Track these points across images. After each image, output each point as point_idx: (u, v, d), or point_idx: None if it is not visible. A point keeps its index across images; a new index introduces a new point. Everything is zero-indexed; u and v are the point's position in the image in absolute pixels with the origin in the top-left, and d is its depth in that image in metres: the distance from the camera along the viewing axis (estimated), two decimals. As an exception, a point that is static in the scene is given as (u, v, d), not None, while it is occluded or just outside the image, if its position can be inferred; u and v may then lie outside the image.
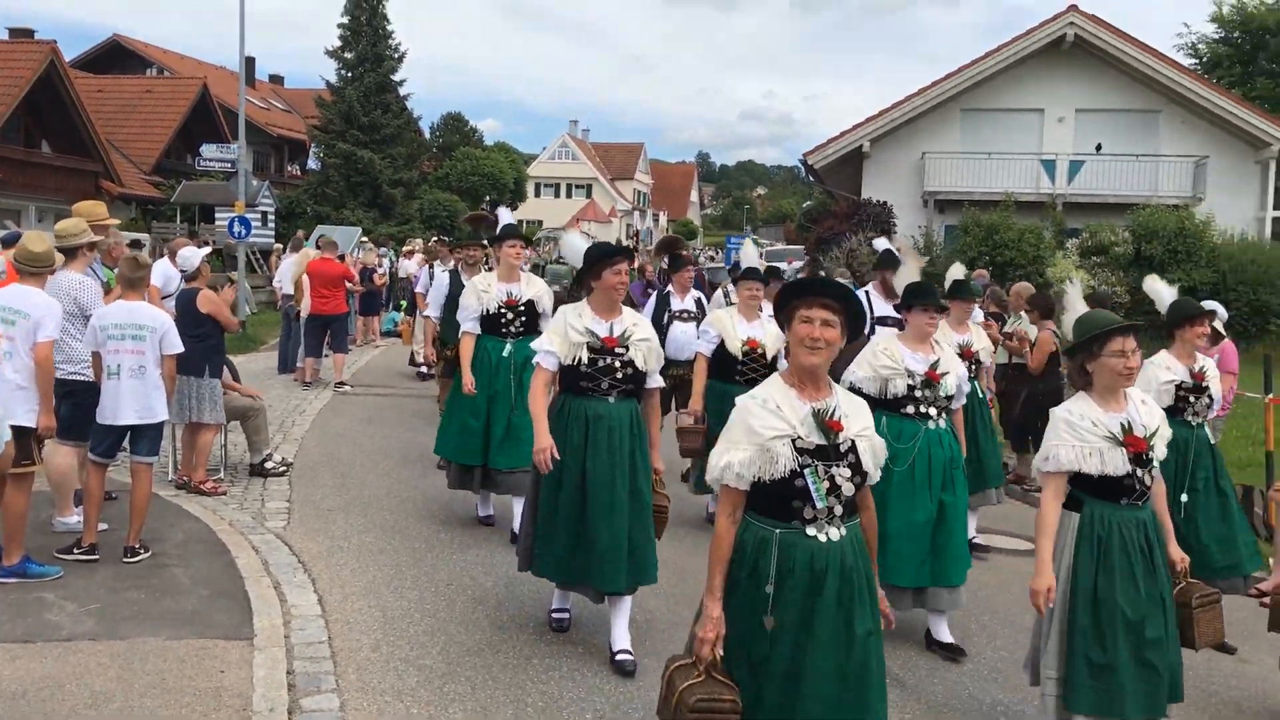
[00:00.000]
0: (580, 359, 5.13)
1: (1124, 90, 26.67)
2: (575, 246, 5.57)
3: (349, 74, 38.72)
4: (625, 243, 50.27)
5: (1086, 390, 4.20)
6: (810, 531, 3.34)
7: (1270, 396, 8.27)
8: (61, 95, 28.85)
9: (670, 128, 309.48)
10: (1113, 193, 25.83)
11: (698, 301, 9.30)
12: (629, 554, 5.08)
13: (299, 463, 9.33)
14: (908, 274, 6.20)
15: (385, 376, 15.16)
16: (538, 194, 73.29)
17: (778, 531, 3.34)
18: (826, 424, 3.37)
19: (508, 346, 6.93)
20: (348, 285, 14.80)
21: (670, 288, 9.31)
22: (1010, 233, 22.44)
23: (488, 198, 49.97)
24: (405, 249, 23.63)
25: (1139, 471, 4.06)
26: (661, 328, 8.52)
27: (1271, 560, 6.26)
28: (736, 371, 7.22)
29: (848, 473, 3.36)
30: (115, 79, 40.31)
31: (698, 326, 8.53)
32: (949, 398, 5.60)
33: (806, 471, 3.31)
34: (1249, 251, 22.02)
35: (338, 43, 38.87)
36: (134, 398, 6.27)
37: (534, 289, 7.12)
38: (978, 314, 11.57)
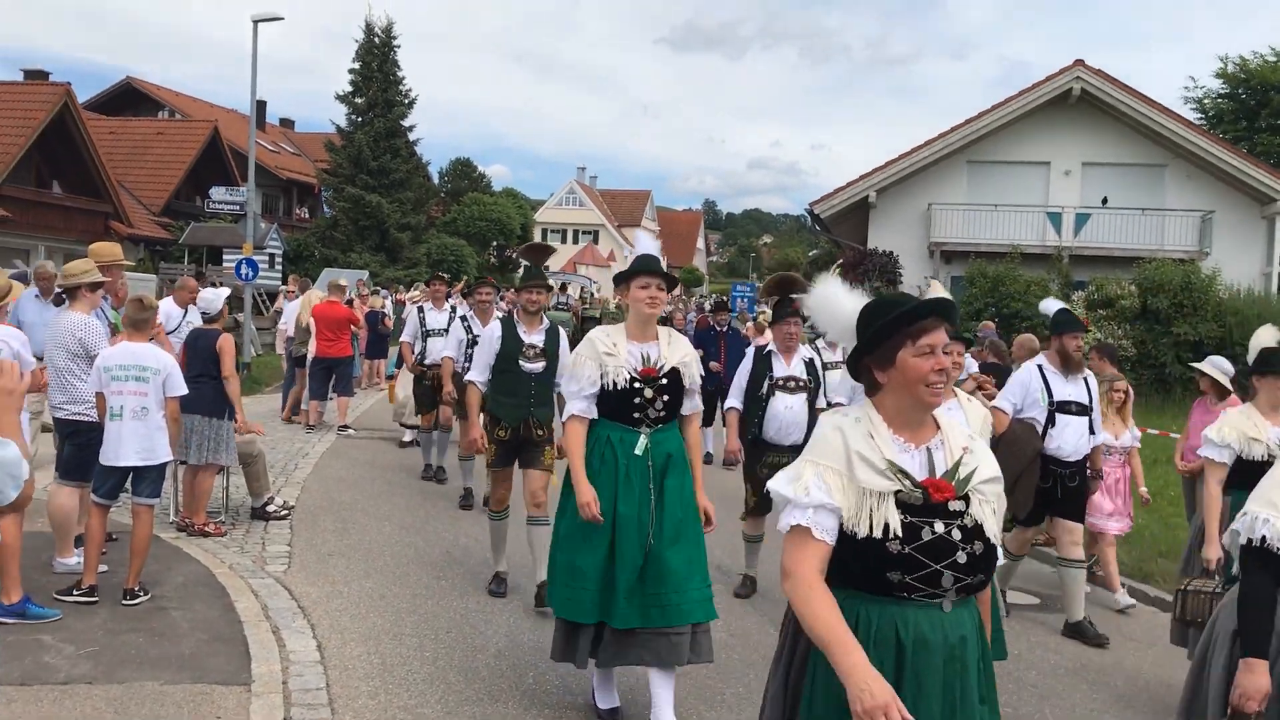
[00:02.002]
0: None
1: (1130, 144, 26.81)
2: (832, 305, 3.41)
3: (359, 119, 39.11)
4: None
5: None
6: None
7: (1279, 454, 8.21)
8: (74, 136, 29.16)
9: (677, 175, 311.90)
10: (1119, 246, 25.89)
11: (808, 363, 7.26)
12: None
13: (300, 506, 9.28)
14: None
15: (389, 420, 15.13)
16: (545, 239, 73.61)
17: None
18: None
19: (642, 440, 4.75)
20: (353, 328, 14.81)
21: (771, 345, 7.31)
22: (1016, 284, 22.47)
23: (495, 243, 50.25)
24: (413, 295, 23.72)
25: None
26: (759, 400, 7.09)
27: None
28: None
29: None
30: (127, 121, 40.76)
31: (812, 400, 7.13)
32: None
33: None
34: (1255, 306, 22.00)
35: (349, 88, 39.35)
36: (136, 439, 6.25)
37: (679, 352, 4.90)
38: (972, 365, 11.54)
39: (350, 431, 13.64)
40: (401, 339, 11.59)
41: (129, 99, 45.60)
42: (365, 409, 16.02)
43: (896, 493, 2.57)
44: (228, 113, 47.01)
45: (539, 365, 6.82)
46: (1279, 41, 74.18)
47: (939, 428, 2.74)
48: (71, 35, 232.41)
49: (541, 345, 6.88)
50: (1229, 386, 7.78)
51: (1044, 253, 25.69)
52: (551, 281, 34.39)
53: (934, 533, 2.56)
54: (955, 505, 2.60)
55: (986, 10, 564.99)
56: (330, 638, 5.97)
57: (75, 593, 6.16)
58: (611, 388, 4.69)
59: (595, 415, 4.76)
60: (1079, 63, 26.17)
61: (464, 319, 9.71)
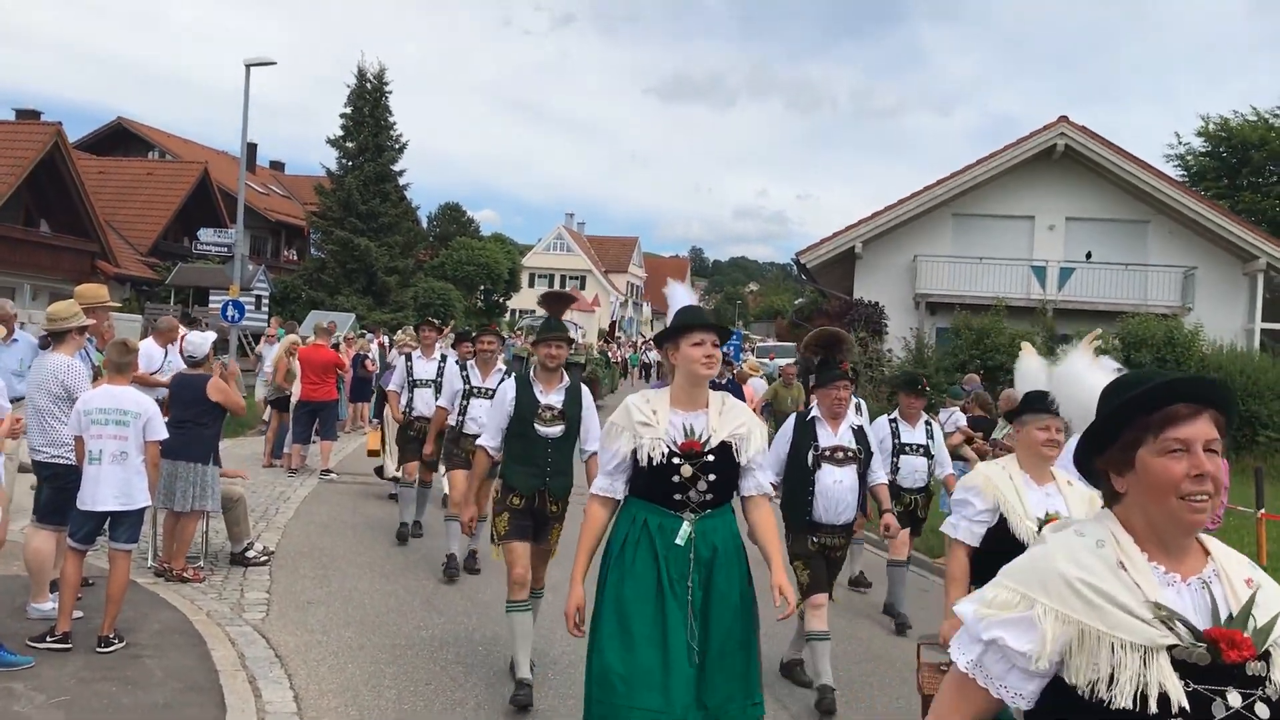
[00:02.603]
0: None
1: (1113, 200, 27.10)
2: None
3: (349, 163, 39.24)
4: (601, 334, 49.97)
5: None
6: None
7: (1262, 511, 8.23)
8: (63, 176, 29.19)
9: (664, 222, 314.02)
10: (1103, 300, 26.09)
11: (857, 431, 6.50)
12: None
13: (281, 552, 9.19)
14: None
15: (372, 464, 15.05)
16: (532, 284, 73.83)
17: None
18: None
19: (685, 528, 3.91)
20: (338, 372, 14.77)
21: (814, 411, 6.48)
22: (1001, 337, 22.58)
23: (482, 287, 50.32)
24: (397, 336, 23.65)
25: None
26: (804, 475, 6.35)
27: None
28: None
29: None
30: (117, 161, 40.83)
31: (863, 472, 6.47)
32: None
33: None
34: (1238, 362, 22.14)
35: (340, 132, 39.48)
36: (115, 483, 6.18)
37: (732, 422, 4.03)
38: (960, 418, 11.55)
39: (333, 476, 13.55)
40: (388, 387, 11.03)
41: (120, 139, 45.70)
42: (349, 453, 15.93)
43: (1171, 648, 1.85)
44: (218, 154, 47.17)
45: (557, 429, 6.14)
46: (1258, 101, 75.27)
47: (1208, 554, 2.02)
48: (65, 75, 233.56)
49: (560, 407, 6.16)
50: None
51: (1029, 306, 25.84)
52: (534, 325, 34.07)
53: (1228, 708, 1.83)
54: (1254, 668, 1.86)
55: (971, 66, 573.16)
56: (308, 688, 5.89)
57: (49, 639, 6.06)
58: (647, 464, 3.93)
59: (619, 495, 4.07)
60: (1063, 119, 26.49)
61: (462, 367, 8.95)
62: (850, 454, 6.31)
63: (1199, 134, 39.01)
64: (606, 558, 4.03)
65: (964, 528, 4.26)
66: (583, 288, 75.31)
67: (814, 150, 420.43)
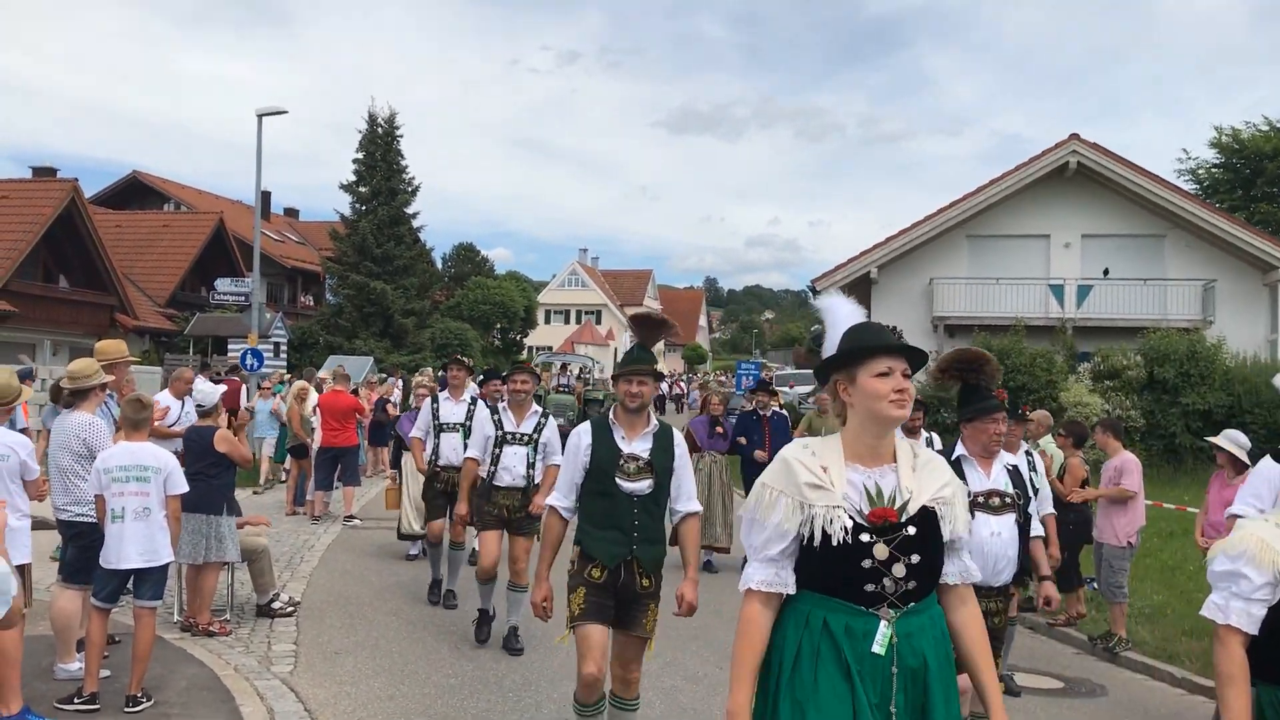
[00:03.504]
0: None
1: (1128, 215, 26.96)
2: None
3: (363, 207, 39.44)
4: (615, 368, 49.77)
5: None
6: None
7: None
8: (80, 231, 29.45)
9: (677, 255, 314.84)
10: (1122, 316, 25.90)
11: (1012, 472, 5.42)
12: None
13: (307, 601, 9.12)
14: None
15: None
16: (548, 320, 74.01)
17: None
18: None
19: (882, 630, 2.86)
20: (358, 417, 14.76)
21: (960, 451, 5.26)
22: (1022, 357, 22.42)
23: (499, 326, 50.41)
24: (416, 379, 23.66)
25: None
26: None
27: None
28: None
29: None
30: (133, 214, 41.19)
31: (1023, 522, 5.38)
32: None
33: None
34: (1262, 374, 21.93)
35: (352, 177, 39.71)
36: (139, 540, 6.14)
37: (934, 480, 3.02)
38: None
39: (356, 522, 13.50)
40: (411, 433, 9.93)
41: (135, 192, 46.13)
42: (371, 498, 15.88)
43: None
44: (233, 204, 47.57)
45: (644, 484, 5.01)
46: (1271, 111, 75.13)
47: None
48: (80, 131, 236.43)
49: (647, 457, 5.05)
50: (1246, 460, 7.68)
51: (1048, 325, 25.68)
52: (550, 361, 33.40)
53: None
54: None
55: (977, 87, 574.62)
56: (338, 742, 5.81)
57: (76, 700, 6.01)
58: (820, 542, 2.83)
59: (790, 589, 2.91)
60: (1074, 137, 26.42)
61: (493, 410, 7.97)
62: (1008, 500, 5.22)
63: (1212, 145, 38.93)
64: (770, 677, 2.92)
65: (1237, 610, 3.17)
66: (598, 322, 75.38)
67: (824, 177, 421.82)
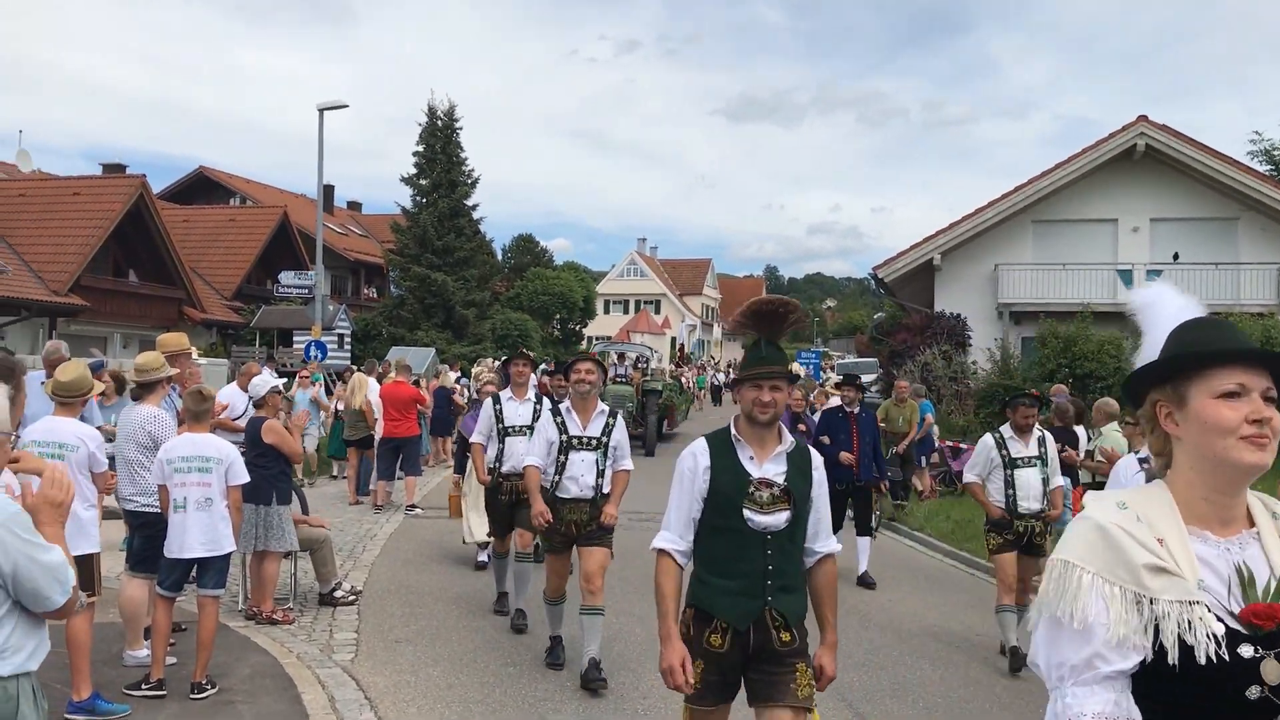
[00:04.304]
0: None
1: (1199, 198, 26.31)
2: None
3: (424, 199, 39.76)
4: (671, 357, 49.34)
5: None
6: None
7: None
8: (148, 226, 30.02)
9: (737, 243, 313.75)
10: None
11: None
12: None
13: (368, 590, 9.21)
14: None
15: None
16: (607, 311, 74.12)
17: None
18: None
19: None
20: (419, 408, 14.87)
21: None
22: (1089, 344, 21.99)
23: (558, 316, 50.59)
24: (475, 370, 23.80)
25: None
26: None
27: None
28: None
29: None
30: (200, 209, 41.89)
31: None
32: None
33: None
34: (1341, 360, 21.29)
35: (413, 170, 40.05)
36: (201, 530, 6.24)
37: None
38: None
39: (418, 511, 13.61)
40: (472, 438, 8.66)
41: (201, 187, 46.96)
42: (433, 487, 16.01)
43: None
44: (296, 198, 48.20)
45: (780, 517, 3.82)
46: (1348, 88, 72.72)
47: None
48: (148, 129, 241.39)
49: (783, 482, 3.87)
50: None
51: (1116, 311, 25.06)
52: (607, 351, 32.52)
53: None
54: None
55: (1042, 70, 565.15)
56: (397, 731, 5.84)
57: (144, 686, 6.12)
58: (1179, 660, 1.84)
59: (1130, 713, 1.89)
60: (1142, 118, 25.83)
61: (554, 411, 6.96)
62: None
63: (1284, 125, 37.80)
64: None
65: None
66: (657, 312, 75.30)
67: (886, 163, 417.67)
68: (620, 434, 6.91)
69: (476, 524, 9.87)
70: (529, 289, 49.70)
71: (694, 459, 3.90)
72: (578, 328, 54.52)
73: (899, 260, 27.58)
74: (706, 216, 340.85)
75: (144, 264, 30.96)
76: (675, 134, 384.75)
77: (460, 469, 10.63)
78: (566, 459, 6.76)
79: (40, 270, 26.91)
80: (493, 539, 8.71)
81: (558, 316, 51.48)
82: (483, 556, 10.17)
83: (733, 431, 3.92)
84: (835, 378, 23.13)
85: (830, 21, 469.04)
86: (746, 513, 3.77)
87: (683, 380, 36.43)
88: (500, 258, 54.99)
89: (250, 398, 8.54)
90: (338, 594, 8.68)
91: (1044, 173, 26.68)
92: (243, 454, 7.32)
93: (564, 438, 6.78)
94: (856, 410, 10.75)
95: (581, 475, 6.75)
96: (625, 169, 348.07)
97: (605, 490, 6.82)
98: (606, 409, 6.92)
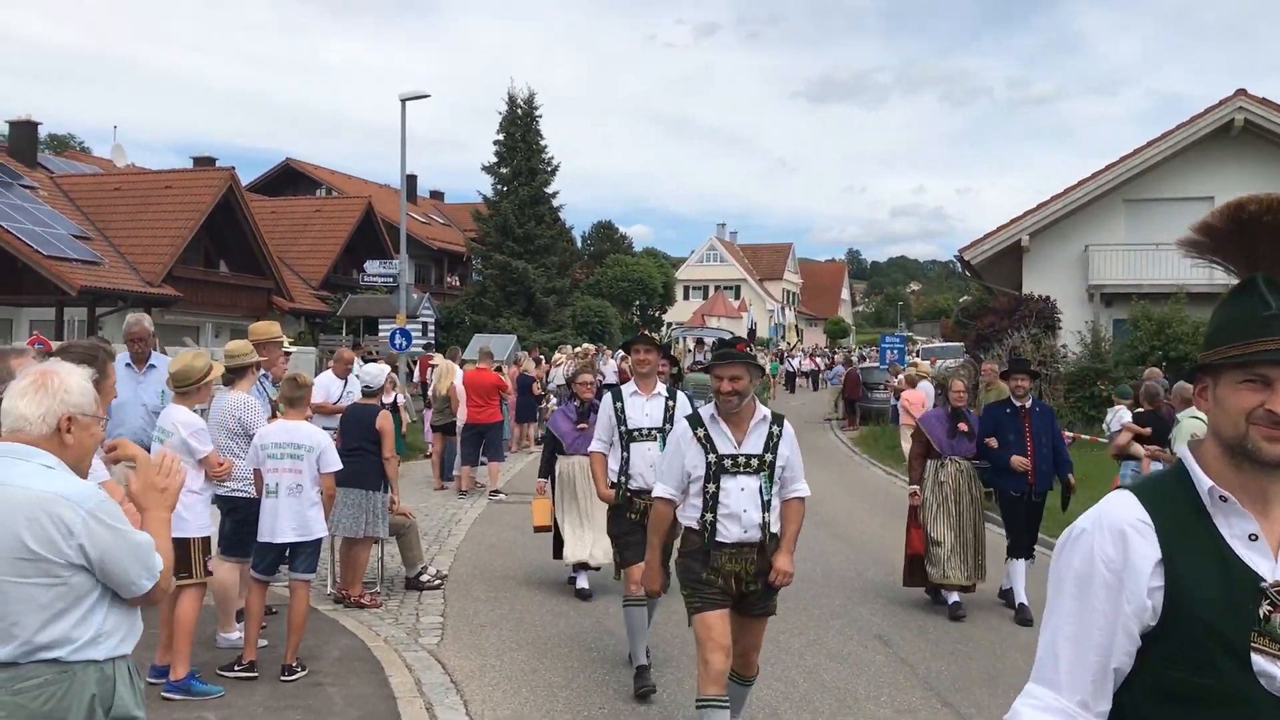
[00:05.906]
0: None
1: (1301, 174, 25.37)
2: None
3: (504, 188, 40.02)
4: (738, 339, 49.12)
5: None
6: None
7: None
8: (238, 218, 30.69)
9: (818, 226, 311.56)
10: (1294, 281, 24.41)
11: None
12: None
13: (453, 575, 9.31)
14: None
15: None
16: (686, 297, 73.95)
17: None
18: None
19: None
20: (501, 394, 14.98)
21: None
22: (1184, 326, 21.38)
23: (637, 302, 50.62)
24: (556, 356, 23.94)
25: None
26: None
27: None
28: None
29: None
30: (287, 200, 42.68)
31: None
32: None
33: None
34: None
35: (494, 159, 40.32)
36: (292, 515, 6.34)
37: None
38: (1126, 415, 10.74)
39: (502, 496, 13.73)
40: (590, 447, 7.02)
41: (288, 179, 47.84)
42: (516, 473, 16.13)
43: None
44: (380, 188, 48.88)
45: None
46: None
47: None
48: (237, 122, 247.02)
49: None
50: None
51: (1212, 292, 24.31)
52: (682, 336, 32.02)
53: None
54: None
55: (1133, 45, 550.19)
56: (482, 714, 5.90)
57: (236, 668, 6.25)
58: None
59: None
60: (1241, 92, 24.96)
61: (696, 420, 4.99)
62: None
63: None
64: None
65: None
66: (737, 297, 75.02)
67: (971, 143, 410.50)
68: (788, 448, 4.98)
69: (576, 544, 8.56)
70: (609, 276, 49.78)
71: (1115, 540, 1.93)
72: (657, 314, 54.50)
73: (985, 242, 27.04)
74: (786, 200, 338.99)
75: (234, 255, 31.66)
76: (754, 118, 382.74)
77: (547, 471, 8.87)
78: (718, 488, 4.85)
79: (135, 262, 27.66)
80: (624, 576, 6.66)
81: (637, 303, 51.47)
82: (583, 583, 8.79)
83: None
84: (922, 363, 22.59)
85: (913, 0, 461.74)
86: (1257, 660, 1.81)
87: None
88: (580, 245, 55.20)
89: (365, 387, 8.69)
90: (424, 578, 8.78)
91: (1136, 150, 25.91)
92: (343, 439, 7.47)
93: (711, 459, 4.86)
94: (1029, 404, 8.62)
95: (743, 511, 4.83)
96: (704, 154, 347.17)
97: (774, 530, 4.94)
98: (768, 415, 4.97)
